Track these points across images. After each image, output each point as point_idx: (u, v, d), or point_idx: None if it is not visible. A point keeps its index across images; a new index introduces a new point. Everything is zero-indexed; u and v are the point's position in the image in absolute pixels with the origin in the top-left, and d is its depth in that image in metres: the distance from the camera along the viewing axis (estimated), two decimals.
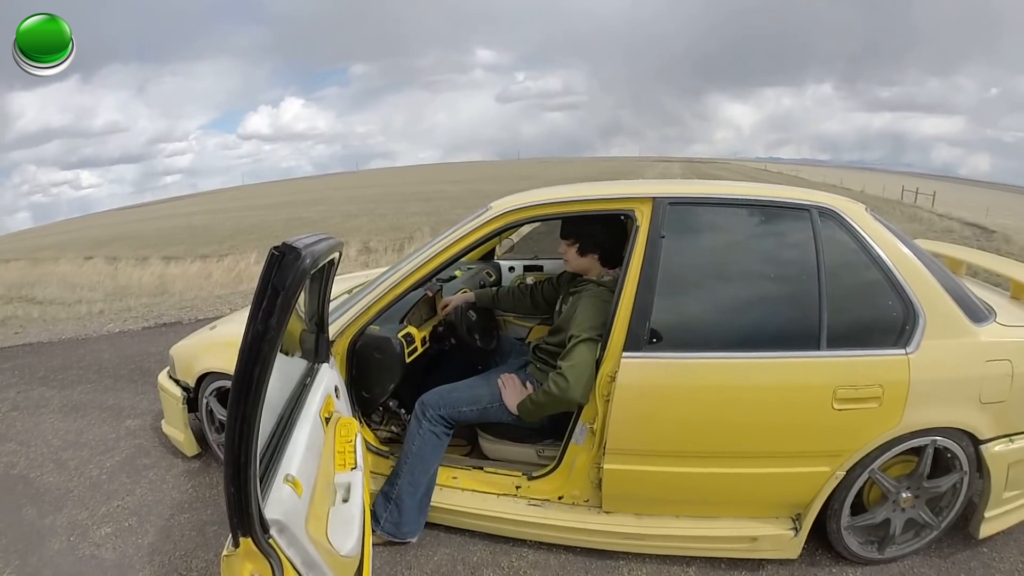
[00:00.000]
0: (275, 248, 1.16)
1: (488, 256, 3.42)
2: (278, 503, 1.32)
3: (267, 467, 1.40)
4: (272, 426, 1.55)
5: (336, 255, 1.75)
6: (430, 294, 2.46)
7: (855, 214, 2.00)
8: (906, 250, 2.01)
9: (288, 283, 1.13)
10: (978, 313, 2.06)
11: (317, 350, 1.94)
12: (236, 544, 1.19)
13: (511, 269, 3.32)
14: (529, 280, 2.69)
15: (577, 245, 2.13)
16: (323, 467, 1.69)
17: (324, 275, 1.83)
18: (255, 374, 1.12)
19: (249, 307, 1.16)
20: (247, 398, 1.12)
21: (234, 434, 1.12)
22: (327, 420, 1.81)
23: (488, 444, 2.24)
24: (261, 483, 1.29)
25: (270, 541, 1.24)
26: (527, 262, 3.34)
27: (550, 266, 3.25)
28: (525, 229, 3.53)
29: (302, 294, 1.78)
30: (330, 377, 1.93)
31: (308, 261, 1.17)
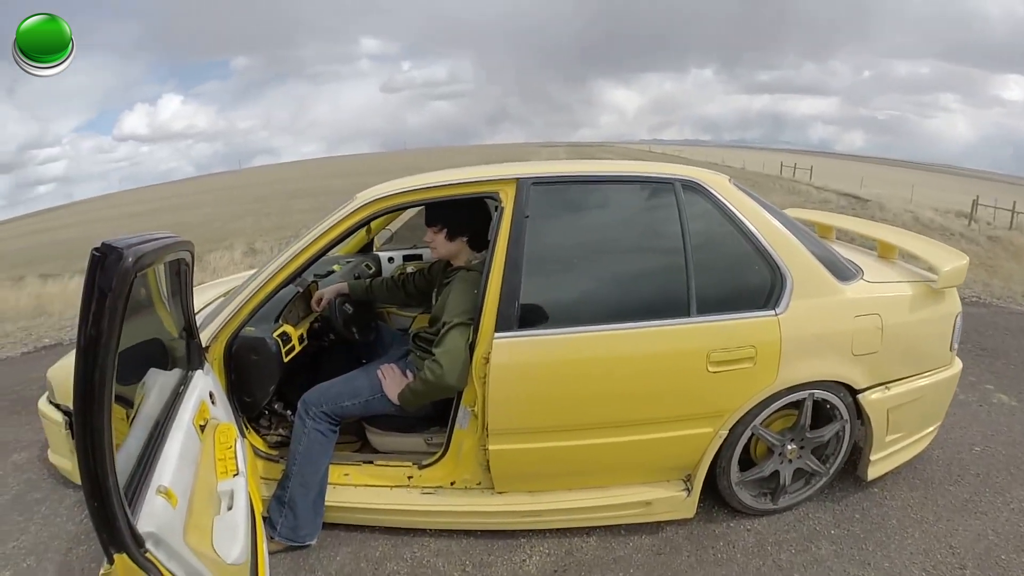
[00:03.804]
0: (96, 249, 1.17)
1: (367, 248, 3.51)
2: (151, 516, 1.35)
3: (139, 480, 1.43)
4: (144, 438, 1.58)
5: (184, 255, 1.78)
6: (300, 290, 2.50)
7: (718, 185, 2.18)
8: (770, 217, 2.22)
9: (114, 284, 1.15)
10: (844, 272, 2.30)
11: (189, 357, 1.99)
12: (111, 561, 1.21)
13: (391, 260, 3.41)
14: (409, 269, 2.77)
15: (445, 230, 2.23)
16: (202, 476, 1.72)
17: (182, 278, 1.86)
18: (95, 380, 1.13)
19: None
20: (91, 407, 1.14)
21: (85, 446, 1.14)
22: (203, 427, 1.85)
23: (376, 437, 2.33)
24: (132, 496, 1.33)
25: (147, 555, 1.26)
26: (406, 252, 3.44)
27: (429, 254, 3.28)
28: (404, 218, 3.61)
29: (165, 298, 1.82)
30: (204, 383, 1.97)
31: (131, 260, 1.19)
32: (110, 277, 1.16)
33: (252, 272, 2.31)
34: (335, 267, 3.03)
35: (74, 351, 1.17)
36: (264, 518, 2.17)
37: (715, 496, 2.39)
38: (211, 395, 2.01)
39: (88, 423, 1.14)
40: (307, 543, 2.22)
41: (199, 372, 2.01)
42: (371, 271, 3.25)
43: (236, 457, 1.89)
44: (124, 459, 1.36)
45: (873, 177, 38.66)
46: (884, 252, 2.72)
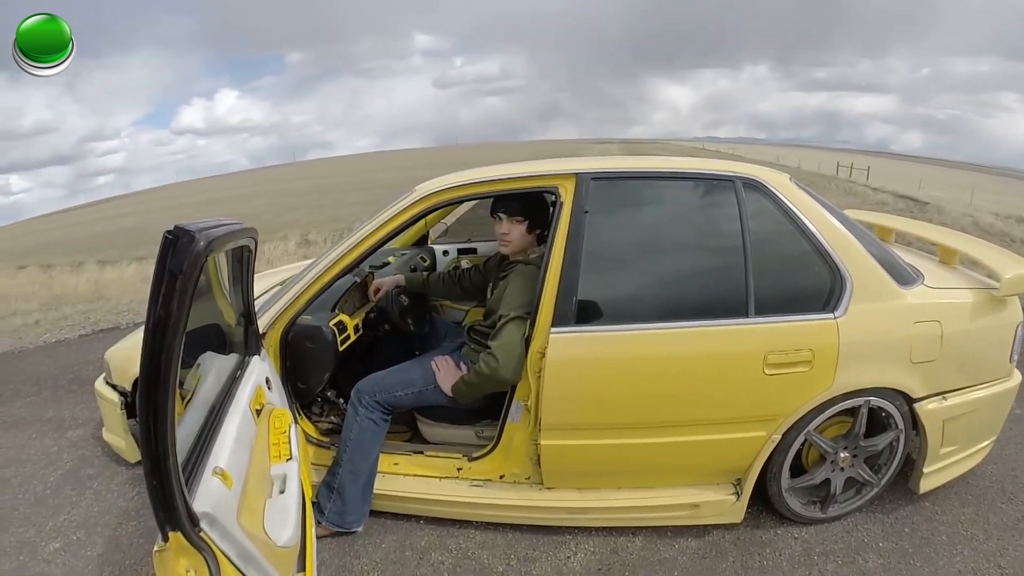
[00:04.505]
0: (168, 232, 1.17)
1: (422, 241, 3.51)
2: (207, 496, 1.35)
3: (195, 460, 1.43)
4: (201, 420, 1.58)
5: (248, 242, 1.78)
6: (357, 280, 2.50)
7: (779, 184, 2.11)
8: (831, 218, 2.13)
9: (185, 267, 1.15)
10: (905, 277, 2.20)
11: (247, 343, 1.99)
12: (165, 539, 1.21)
13: (445, 253, 3.40)
14: (464, 264, 2.75)
15: (527, 222, 2.18)
16: (256, 459, 1.73)
17: (243, 265, 1.86)
18: (161, 361, 1.13)
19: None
20: (156, 387, 1.14)
21: (148, 425, 1.14)
22: (258, 412, 1.86)
23: (427, 428, 2.32)
24: (188, 476, 1.33)
25: (201, 535, 1.26)
26: (461, 245, 3.42)
27: (484, 248, 3.34)
28: (458, 212, 3.59)
29: (225, 284, 1.82)
30: (260, 369, 1.98)
31: (203, 244, 1.20)
32: (181, 260, 1.16)
33: (309, 262, 2.31)
34: (390, 259, 3.04)
35: (131, 334, 1.17)
36: (312, 503, 2.18)
37: (763, 502, 2.32)
38: (267, 380, 2.01)
39: (152, 402, 1.14)
40: (353, 529, 2.21)
41: (256, 358, 2.01)
42: (426, 264, 3.26)
43: (290, 442, 1.89)
44: (182, 439, 1.36)
45: (931, 179, 36.37)
46: (945, 257, 2.61)
